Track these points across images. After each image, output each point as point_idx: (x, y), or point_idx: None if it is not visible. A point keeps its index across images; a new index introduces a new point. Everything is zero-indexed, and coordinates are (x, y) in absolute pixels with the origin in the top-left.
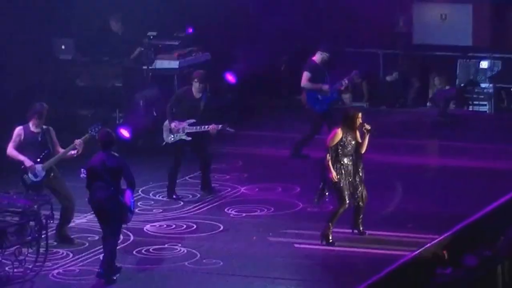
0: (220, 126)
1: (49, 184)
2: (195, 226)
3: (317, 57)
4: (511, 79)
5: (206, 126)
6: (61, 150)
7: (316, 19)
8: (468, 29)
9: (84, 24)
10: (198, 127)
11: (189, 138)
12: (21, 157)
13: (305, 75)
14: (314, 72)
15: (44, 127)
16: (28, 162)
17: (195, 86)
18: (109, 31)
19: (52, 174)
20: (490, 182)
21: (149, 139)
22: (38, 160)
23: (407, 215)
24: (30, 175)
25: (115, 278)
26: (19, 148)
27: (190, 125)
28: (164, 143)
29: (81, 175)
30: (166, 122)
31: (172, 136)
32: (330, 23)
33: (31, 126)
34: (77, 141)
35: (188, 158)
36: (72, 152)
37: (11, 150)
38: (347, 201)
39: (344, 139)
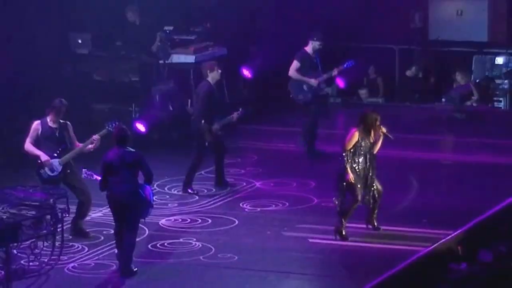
0: (239, 112)
1: (65, 179)
2: (210, 221)
3: (309, 46)
4: None
5: (232, 116)
6: (79, 145)
7: (332, 15)
8: (484, 24)
9: (100, 18)
10: (231, 116)
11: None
12: (38, 152)
13: (294, 64)
14: (304, 61)
15: (62, 122)
16: (44, 157)
17: (217, 74)
18: (126, 23)
19: (68, 169)
20: (506, 178)
21: (164, 133)
22: (55, 155)
23: (422, 210)
24: (46, 169)
25: (135, 269)
26: (36, 142)
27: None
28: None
29: (83, 175)
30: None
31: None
32: (346, 19)
33: (49, 121)
34: (95, 137)
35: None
36: (90, 146)
37: (28, 145)
38: (359, 198)
39: (361, 141)
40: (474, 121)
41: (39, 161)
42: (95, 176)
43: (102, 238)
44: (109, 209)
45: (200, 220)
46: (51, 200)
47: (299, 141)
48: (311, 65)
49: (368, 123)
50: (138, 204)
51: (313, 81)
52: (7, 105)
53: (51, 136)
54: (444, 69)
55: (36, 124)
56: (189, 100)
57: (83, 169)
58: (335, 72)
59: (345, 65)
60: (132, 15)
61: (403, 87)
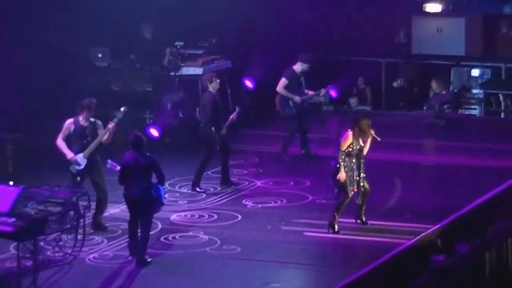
0: (236, 112)
1: (91, 174)
2: (216, 216)
3: (297, 67)
4: (499, 86)
5: (232, 118)
6: (105, 137)
7: (326, 32)
8: (461, 40)
9: (117, 34)
10: (229, 119)
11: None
12: (65, 150)
13: (283, 81)
14: (291, 79)
15: (92, 120)
16: (69, 155)
17: (217, 84)
18: (140, 39)
19: (94, 166)
20: (481, 178)
21: (175, 137)
22: (82, 151)
23: (405, 207)
24: (74, 166)
25: (149, 260)
26: (68, 139)
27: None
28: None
29: (107, 166)
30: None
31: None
32: (337, 34)
33: (81, 119)
34: (110, 125)
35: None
36: (106, 136)
37: (59, 141)
38: (350, 195)
39: (354, 143)
40: (452, 127)
41: (67, 159)
42: (118, 167)
43: (120, 231)
44: (125, 206)
45: (207, 216)
46: (74, 198)
47: (283, 149)
48: (297, 83)
49: (361, 126)
50: (150, 202)
51: (297, 99)
52: (38, 110)
53: (81, 134)
54: (426, 80)
55: (69, 123)
56: (197, 108)
57: (108, 160)
58: (315, 97)
59: (321, 91)
60: (147, 32)
61: (389, 96)
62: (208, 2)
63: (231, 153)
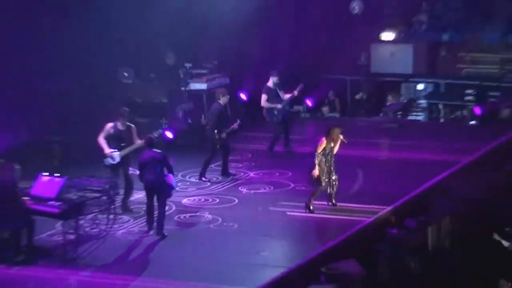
0: (238, 123)
1: (123, 167)
2: (218, 200)
3: (270, 82)
4: (438, 97)
5: (234, 125)
6: (138, 142)
7: (302, 55)
8: (409, 61)
9: (139, 58)
10: (232, 126)
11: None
12: (104, 146)
13: (263, 97)
14: (269, 93)
15: (127, 124)
16: (106, 151)
17: (226, 98)
18: (158, 61)
19: (125, 162)
20: (425, 169)
21: (185, 138)
22: (117, 149)
23: (366, 192)
24: (109, 159)
25: (166, 234)
26: (107, 138)
27: (226, 126)
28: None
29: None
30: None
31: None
32: (313, 57)
33: (119, 124)
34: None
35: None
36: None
37: (100, 139)
38: (323, 184)
39: (328, 145)
40: (403, 129)
41: (104, 153)
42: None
43: (142, 212)
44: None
45: (211, 199)
46: (107, 186)
47: (270, 148)
48: (275, 94)
49: (332, 134)
50: (163, 188)
51: (279, 106)
52: (77, 116)
53: (118, 136)
54: (382, 93)
55: (110, 126)
56: (203, 115)
57: (130, 168)
58: (295, 93)
59: (298, 89)
60: (170, 58)
61: (353, 105)
62: (210, 33)
63: (230, 151)
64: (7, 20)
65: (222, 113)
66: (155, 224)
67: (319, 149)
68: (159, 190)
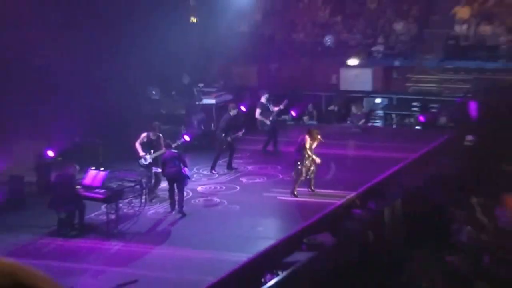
0: (242, 131)
1: (151, 166)
2: (224, 187)
3: (263, 99)
4: (392, 108)
5: (239, 132)
6: (164, 149)
7: (287, 76)
8: (369, 81)
9: (163, 79)
10: (237, 133)
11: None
12: (139, 150)
13: (257, 110)
14: (262, 107)
15: (158, 134)
16: (140, 153)
17: (235, 111)
18: (179, 83)
19: (153, 161)
20: (382, 164)
21: (199, 141)
22: (149, 153)
23: (338, 181)
24: (142, 160)
25: (185, 213)
26: (141, 144)
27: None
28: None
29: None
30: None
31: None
32: (296, 78)
33: (151, 134)
34: (173, 145)
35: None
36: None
37: (137, 144)
38: (304, 174)
39: (309, 143)
40: (365, 133)
41: (139, 155)
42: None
43: (166, 197)
44: (167, 182)
45: (218, 187)
46: (140, 177)
47: (263, 148)
48: (266, 108)
49: (314, 135)
50: (181, 178)
51: (268, 121)
52: (116, 123)
53: (150, 143)
54: (349, 105)
55: (144, 135)
56: (212, 123)
57: (154, 167)
58: (280, 107)
59: (283, 103)
60: (186, 78)
61: (327, 115)
62: (217, 60)
63: (235, 150)
64: (59, 43)
65: (230, 121)
66: (176, 206)
67: (307, 145)
68: (178, 180)
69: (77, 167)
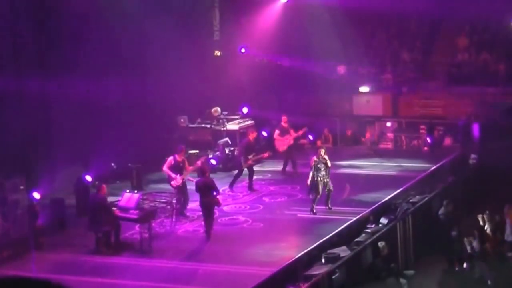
0: (267, 154)
1: (182, 187)
2: (248, 207)
3: (283, 123)
4: (401, 131)
5: (263, 155)
6: (190, 168)
7: (305, 105)
8: (379, 106)
9: (190, 109)
10: (259, 156)
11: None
12: (169, 173)
13: (276, 131)
14: (282, 130)
15: (183, 157)
16: (172, 176)
17: (254, 135)
18: (207, 112)
19: (185, 183)
20: (393, 182)
21: (224, 165)
22: (178, 174)
23: (352, 199)
24: (174, 182)
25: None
26: (170, 167)
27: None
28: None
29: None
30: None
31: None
32: (313, 106)
33: (177, 157)
34: (198, 163)
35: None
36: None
37: (165, 169)
38: (320, 192)
39: (318, 161)
40: (377, 155)
41: (171, 178)
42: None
43: (195, 217)
44: (197, 203)
45: (243, 207)
46: (170, 198)
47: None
48: (286, 131)
49: (319, 153)
50: (213, 206)
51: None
52: (148, 148)
53: (177, 165)
54: (362, 129)
55: (171, 159)
56: (235, 148)
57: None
58: (299, 135)
59: (302, 132)
60: (216, 111)
61: (342, 138)
62: (240, 92)
63: (254, 173)
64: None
65: (248, 146)
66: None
67: (312, 164)
68: (210, 208)
69: (105, 187)
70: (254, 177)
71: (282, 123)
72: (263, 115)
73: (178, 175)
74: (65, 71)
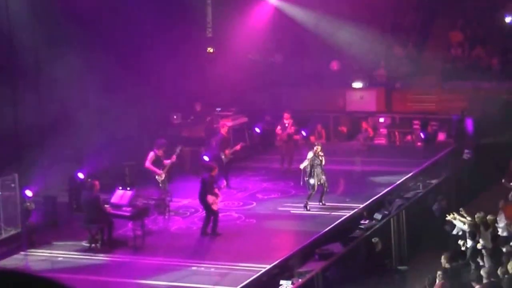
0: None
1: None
2: (241, 203)
3: (285, 118)
4: (395, 127)
5: (237, 146)
6: (168, 162)
7: (299, 101)
8: (373, 102)
9: (185, 107)
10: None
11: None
12: (153, 168)
13: (278, 127)
14: (282, 126)
15: (163, 151)
16: (158, 172)
17: (226, 129)
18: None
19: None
20: (386, 177)
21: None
22: (162, 169)
23: (346, 195)
24: (158, 177)
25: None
26: (153, 163)
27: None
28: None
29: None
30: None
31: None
32: (307, 102)
33: (157, 151)
34: (173, 157)
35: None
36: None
37: (148, 164)
38: (316, 188)
39: (314, 157)
40: (370, 151)
41: (157, 173)
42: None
43: (188, 213)
44: (189, 199)
45: (236, 203)
46: (162, 196)
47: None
48: (285, 127)
49: (314, 150)
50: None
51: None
52: (140, 150)
53: (159, 160)
54: (355, 125)
55: (152, 154)
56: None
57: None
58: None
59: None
60: (198, 106)
61: (335, 134)
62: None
63: (230, 168)
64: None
65: (223, 140)
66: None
67: (307, 160)
68: (203, 205)
69: (97, 184)
70: (248, 173)
71: (284, 120)
72: (256, 112)
73: (161, 169)
74: (58, 67)
